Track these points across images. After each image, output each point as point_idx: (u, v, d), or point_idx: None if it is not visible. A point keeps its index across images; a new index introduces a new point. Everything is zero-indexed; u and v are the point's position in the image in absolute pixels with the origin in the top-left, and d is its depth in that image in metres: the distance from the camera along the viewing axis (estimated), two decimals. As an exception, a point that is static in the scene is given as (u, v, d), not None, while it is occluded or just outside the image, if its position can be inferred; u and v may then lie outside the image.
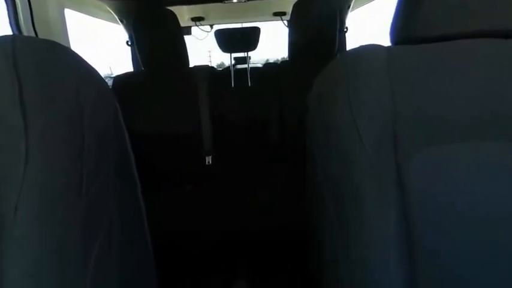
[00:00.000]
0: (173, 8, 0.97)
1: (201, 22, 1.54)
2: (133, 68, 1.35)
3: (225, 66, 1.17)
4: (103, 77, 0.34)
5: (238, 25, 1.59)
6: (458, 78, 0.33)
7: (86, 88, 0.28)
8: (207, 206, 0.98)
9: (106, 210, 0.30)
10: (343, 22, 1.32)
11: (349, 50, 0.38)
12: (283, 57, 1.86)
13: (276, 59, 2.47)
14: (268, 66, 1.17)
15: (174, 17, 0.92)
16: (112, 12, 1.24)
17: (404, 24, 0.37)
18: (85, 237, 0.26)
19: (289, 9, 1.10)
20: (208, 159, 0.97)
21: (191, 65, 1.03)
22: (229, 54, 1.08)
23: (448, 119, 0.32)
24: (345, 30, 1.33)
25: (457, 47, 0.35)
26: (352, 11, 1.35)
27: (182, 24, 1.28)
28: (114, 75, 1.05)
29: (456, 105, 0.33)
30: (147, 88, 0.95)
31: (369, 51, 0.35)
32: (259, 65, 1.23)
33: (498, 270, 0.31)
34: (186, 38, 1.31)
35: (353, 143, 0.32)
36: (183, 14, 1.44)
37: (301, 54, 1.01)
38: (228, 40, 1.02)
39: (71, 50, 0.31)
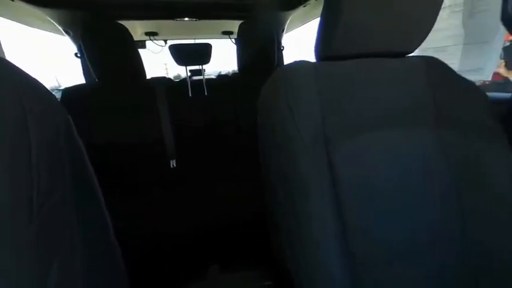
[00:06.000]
0: (126, 23, 0.93)
1: (155, 37, 1.48)
2: (85, 80, 1.21)
3: (182, 78, 1.15)
4: (49, 89, 0.29)
5: (191, 41, 1.57)
6: (367, 87, 0.39)
7: (29, 101, 0.23)
8: (176, 206, 0.95)
9: (66, 226, 0.26)
10: (279, 42, 1.46)
11: (286, 65, 0.40)
12: (234, 70, 1.90)
13: (227, 72, 2.49)
14: (222, 77, 1.19)
15: (125, 31, 0.87)
16: (55, 24, 1.09)
17: (323, 45, 0.41)
18: (41, 257, 0.22)
19: (235, 29, 1.15)
20: (173, 163, 0.95)
21: (149, 76, 1.00)
22: (184, 67, 1.07)
23: (361, 117, 0.37)
24: (282, 48, 1.47)
25: (363, 63, 0.41)
26: (286, 33, 1.50)
27: (136, 38, 1.25)
28: (62, 88, 0.91)
29: (366, 106, 0.38)
30: (103, 100, 0.88)
31: (301, 66, 0.39)
32: (213, 77, 1.25)
33: (414, 233, 0.36)
34: (143, 51, 1.31)
35: (295, 140, 0.33)
36: (136, 28, 1.37)
37: (249, 68, 1.07)
38: (183, 54, 1.02)
39: (8, 61, 0.24)
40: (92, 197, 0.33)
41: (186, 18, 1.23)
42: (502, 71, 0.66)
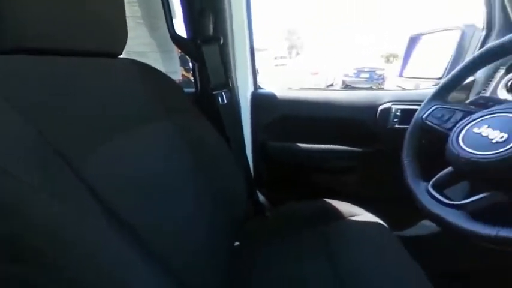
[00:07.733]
0: None
1: None
2: None
3: None
4: None
5: None
6: (88, 89, 0.35)
7: None
8: None
9: None
10: None
11: None
12: None
13: None
14: None
15: None
16: None
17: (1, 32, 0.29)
18: None
19: None
20: None
21: None
22: None
23: (98, 122, 0.33)
24: None
25: (72, 62, 0.36)
26: None
27: None
28: None
29: (98, 111, 0.34)
30: None
31: None
32: None
33: (183, 204, 0.41)
34: None
35: (10, 181, 0.22)
36: None
37: None
38: None
39: None
40: None
41: None
42: (185, 73, 0.97)
